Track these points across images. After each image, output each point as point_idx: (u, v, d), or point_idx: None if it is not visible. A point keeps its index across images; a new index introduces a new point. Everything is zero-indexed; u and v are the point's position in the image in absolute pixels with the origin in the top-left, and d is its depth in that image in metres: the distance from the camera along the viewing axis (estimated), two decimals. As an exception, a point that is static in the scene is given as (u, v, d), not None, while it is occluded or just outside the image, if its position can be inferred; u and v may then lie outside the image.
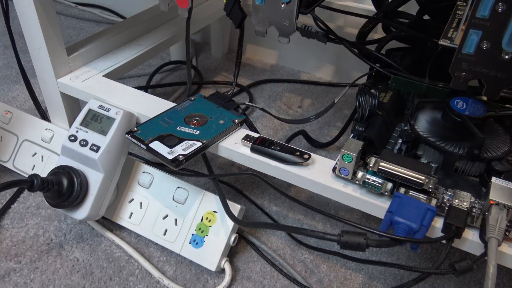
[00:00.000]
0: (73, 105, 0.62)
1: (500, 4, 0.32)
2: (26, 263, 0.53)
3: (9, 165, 0.63)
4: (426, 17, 0.63)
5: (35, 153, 0.61)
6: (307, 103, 0.84)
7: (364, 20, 0.66)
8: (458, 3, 0.43)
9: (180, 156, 0.46)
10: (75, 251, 0.54)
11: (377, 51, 0.61)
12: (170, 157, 0.46)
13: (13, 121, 0.63)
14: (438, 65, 0.56)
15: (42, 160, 0.60)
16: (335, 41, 0.59)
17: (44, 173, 0.51)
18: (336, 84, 0.90)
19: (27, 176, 0.61)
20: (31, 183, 0.46)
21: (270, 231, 0.59)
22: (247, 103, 0.59)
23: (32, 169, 0.61)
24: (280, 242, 0.58)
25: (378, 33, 0.69)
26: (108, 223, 0.58)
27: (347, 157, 0.43)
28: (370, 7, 0.76)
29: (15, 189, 0.61)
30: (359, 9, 0.78)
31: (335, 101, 0.60)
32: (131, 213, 0.55)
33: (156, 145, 0.47)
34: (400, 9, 0.63)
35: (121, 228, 0.57)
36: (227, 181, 0.66)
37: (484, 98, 0.51)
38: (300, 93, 0.87)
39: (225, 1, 0.53)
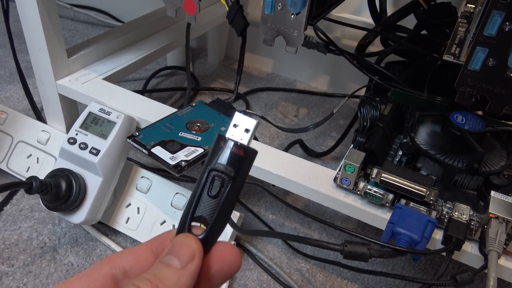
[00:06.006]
0: (71, 107, 0.61)
1: (507, 23, 0.33)
2: (19, 267, 0.52)
3: (2, 166, 0.61)
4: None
5: (30, 155, 0.60)
6: (303, 112, 0.85)
7: (361, 32, 0.67)
8: (459, 20, 0.44)
9: (183, 162, 0.46)
10: (70, 256, 0.54)
11: (377, 63, 0.62)
12: (172, 162, 0.46)
13: (8, 121, 0.62)
14: (437, 79, 0.57)
15: (38, 162, 0.59)
16: (335, 53, 0.60)
17: (39, 175, 0.50)
18: (332, 94, 0.91)
19: (20, 177, 0.60)
20: (30, 185, 0.46)
21: (266, 239, 0.59)
22: (247, 111, 0.59)
23: (27, 171, 0.60)
24: (276, 251, 0.58)
25: (375, 46, 0.70)
26: (104, 227, 0.57)
27: (350, 167, 0.43)
28: (367, 20, 0.78)
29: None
30: (356, 21, 0.79)
31: (334, 112, 0.60)
32: (128, 218, 0.55)
33: (158, 150, 0.47)
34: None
35: (117, 232, 0.57)
36: (223, 188, 0.66)
37: (480, 112, 0.52)
38: (295, 102, 0.88)
39: (227, 9, 0.53)
